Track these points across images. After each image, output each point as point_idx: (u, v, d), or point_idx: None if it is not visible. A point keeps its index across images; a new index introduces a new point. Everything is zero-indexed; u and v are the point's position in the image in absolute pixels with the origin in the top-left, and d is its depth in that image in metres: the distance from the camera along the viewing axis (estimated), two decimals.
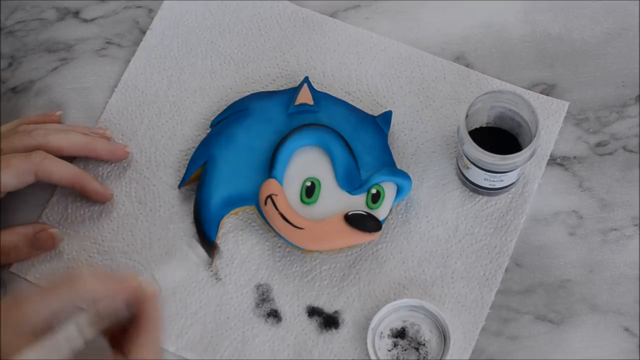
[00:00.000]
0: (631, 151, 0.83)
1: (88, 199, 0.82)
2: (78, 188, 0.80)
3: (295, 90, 0.83)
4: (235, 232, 0.81)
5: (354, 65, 0.87)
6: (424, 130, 0.84)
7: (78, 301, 0.64)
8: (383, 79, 0.86)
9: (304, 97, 0.83)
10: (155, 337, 0.65)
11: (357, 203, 0.79)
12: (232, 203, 0.80)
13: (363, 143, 0.81)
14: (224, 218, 0.80)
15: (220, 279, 0.79)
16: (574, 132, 0.84)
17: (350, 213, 0.78)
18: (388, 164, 0.81)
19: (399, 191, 0.80)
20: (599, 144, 0.83)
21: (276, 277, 0.80)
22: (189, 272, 0.73)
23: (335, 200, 0.79)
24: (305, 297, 0.79)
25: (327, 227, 0.78)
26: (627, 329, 0.77)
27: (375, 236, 0.79)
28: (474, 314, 0.78)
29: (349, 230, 0.78)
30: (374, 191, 0.79)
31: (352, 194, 0.79)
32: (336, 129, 0.81)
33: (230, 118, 0.83)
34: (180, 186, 0.83)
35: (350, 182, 0.79)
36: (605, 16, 0.88)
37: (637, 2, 0.88)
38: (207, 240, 0.79)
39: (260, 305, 0.79)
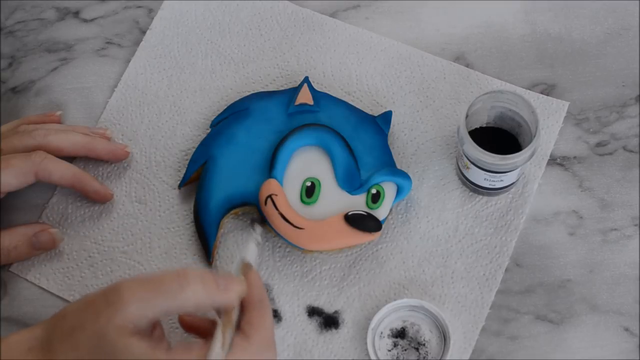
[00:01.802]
0: (631, 151, 0.83)
1: (88, 199, 0.82)
2: (78, 188, 0.80)
3: (295, 90, 0.83)
4: (235, 232, 0.81)
5: (354, 65, 0.87)
6: (424, 130, 0.84)
7: (183, 306, 0.64)
8: (383, 79, 0.86)
9: (304, 97, 0.83)
10: (268, 314, 0.68)
11: (357, 203, 0.79)
12: (232, 203, 0.80)
13: (363, 143, 0.81)
14: (224, 218, 0.80)
15: None
16: (574, 132, 0.84)
17: (350, 213, 0.78)
18: (388, 164, 0.81)
19: (399, 191, 0.80)
20: (599, 144, 0.83)
21: (276, 277, 0.80)
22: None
23: (335, 200, 0.79)
24: (305, 297, 0.79)
25: (327, 227, 0.78)
26: (627, 329, 0.77)
27: (375, 236, 0.79)
28: (474, 314, 0.78)
29: (349, 230, 0.78)
30: (374, 191, 0.79)
31: (352, 194, 0.79)
32: (336, 129, 0.81)
33: (230, 118, 0.83)
34: (180, 186, 0.83)
35: (350, 182, 0.79)
36: (605, 16, 0.88)
37: (637, 2, 0.88)
38: (206, 240, 0.79)
39: None
